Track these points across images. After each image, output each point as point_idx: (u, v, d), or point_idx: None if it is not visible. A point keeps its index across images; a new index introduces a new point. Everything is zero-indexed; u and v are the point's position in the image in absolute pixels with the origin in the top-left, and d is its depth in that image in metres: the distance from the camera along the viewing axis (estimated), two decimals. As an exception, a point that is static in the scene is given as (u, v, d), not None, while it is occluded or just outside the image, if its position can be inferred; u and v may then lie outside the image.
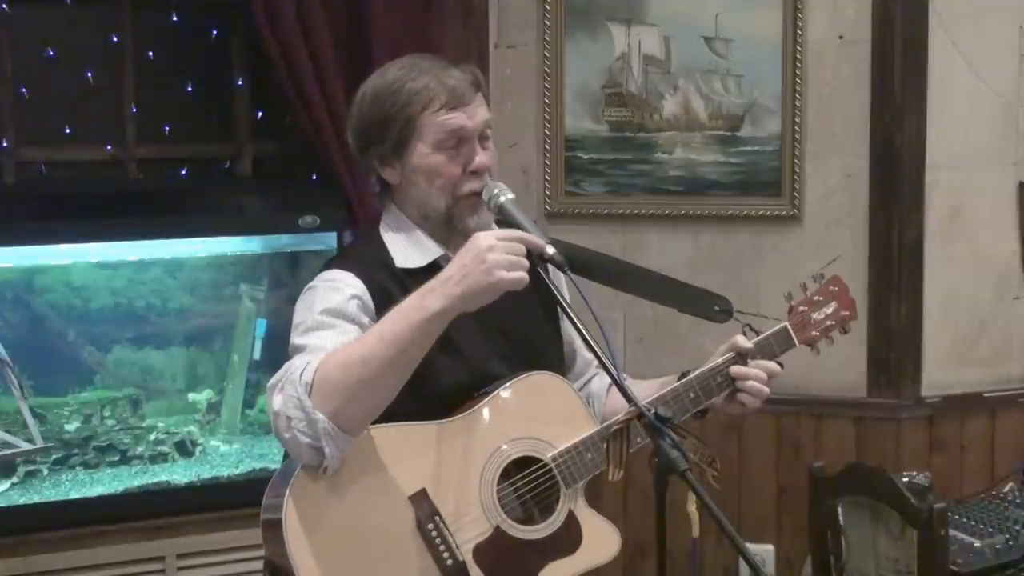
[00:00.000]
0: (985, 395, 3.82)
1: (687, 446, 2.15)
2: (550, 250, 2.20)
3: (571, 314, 2.24)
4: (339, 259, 2.42)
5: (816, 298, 2.56)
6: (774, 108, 3.78)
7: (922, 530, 3.02)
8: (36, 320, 3.60)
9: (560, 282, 2.42)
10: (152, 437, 3.72)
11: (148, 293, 3.70)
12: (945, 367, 3.80)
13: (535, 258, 2.23)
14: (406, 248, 2.36)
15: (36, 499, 3.57)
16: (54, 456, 3.61)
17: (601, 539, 2.36)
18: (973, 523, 3.27)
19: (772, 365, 2.46)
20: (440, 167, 2.31)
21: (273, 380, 2.17)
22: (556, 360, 2.48)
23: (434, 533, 2.22)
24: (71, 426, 3.63)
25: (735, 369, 2.43)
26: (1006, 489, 3.53)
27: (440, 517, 2.23)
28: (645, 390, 2.42)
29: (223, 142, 3.94)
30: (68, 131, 3.76)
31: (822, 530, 3.33)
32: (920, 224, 3.75)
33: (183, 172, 3.90)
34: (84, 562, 3.55)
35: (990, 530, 3.24)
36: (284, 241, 3.80)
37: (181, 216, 3.76)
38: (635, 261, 3.87)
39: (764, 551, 3.83)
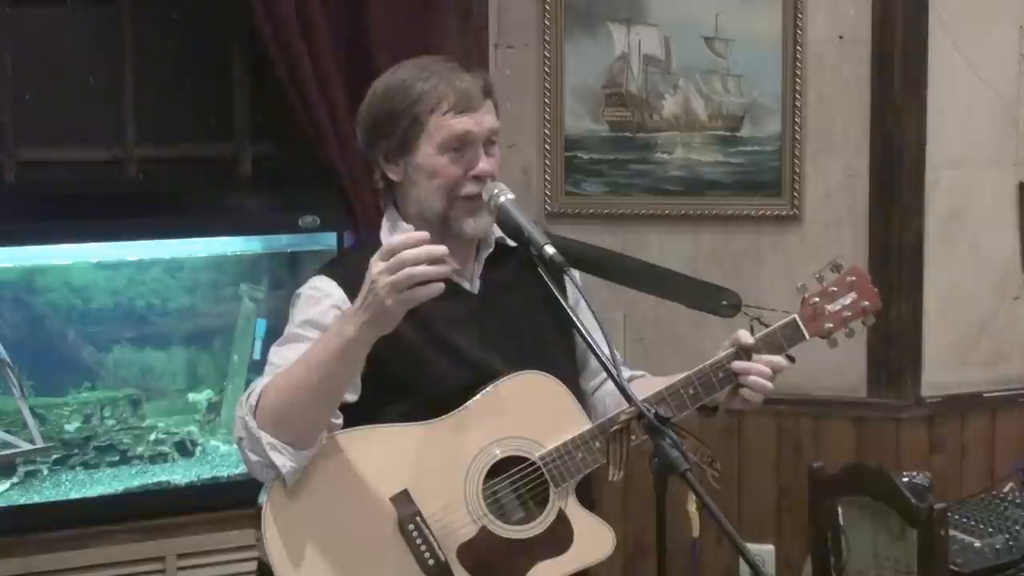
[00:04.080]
0: (985, 395, 3.82)
1: (687, 446, 2.14)
2: (550, 250, 2.20)
3: (572, 314, 2.24)
4: (329, 266, 2.44)
5: (832, 289, 2.44)
6: (774, 108, 3.78)
7: (922, 530, 3.02)
8: (36, 320, 3.60)
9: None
10: (152, 437, 3.72)
11: (148, 293, 3.69)
12: (945, 367, 3.80)
13: (536, 259, 2.23)
14: None
15: (36, 499, 3.57)
16: (54, 456, 3.61)
17: (593, 538, 2.34)
18: (973, 523, 3.27)
19: (778, 360, 2.38)
20: (441, 168, 2.32)
21: (241, 398, 2.24)
22: (564, 359, 2.46)
23: (415, 533, 2.22)
24: (71, 426, 3.63)
25: (737, 364, 2.37)
26: (1006, 489, 3.52)
27: (422, 517, 2.23)
28: (654, 387, 2.39)
29: (223, 142, 3.93)
30: (68, 131, 3.76)
31: (822, 530, 3.33)
32: (920, 224, 3.75)
33: (183, 172, 3.90)
34: (84, 562, 3.55)
35: (990, 530, 3.23)
36: (284, 241, 3.80)
37: (181, 216, 3.75)
38: (635, 261, 3.87)
39: (764, 551, 3.83)
